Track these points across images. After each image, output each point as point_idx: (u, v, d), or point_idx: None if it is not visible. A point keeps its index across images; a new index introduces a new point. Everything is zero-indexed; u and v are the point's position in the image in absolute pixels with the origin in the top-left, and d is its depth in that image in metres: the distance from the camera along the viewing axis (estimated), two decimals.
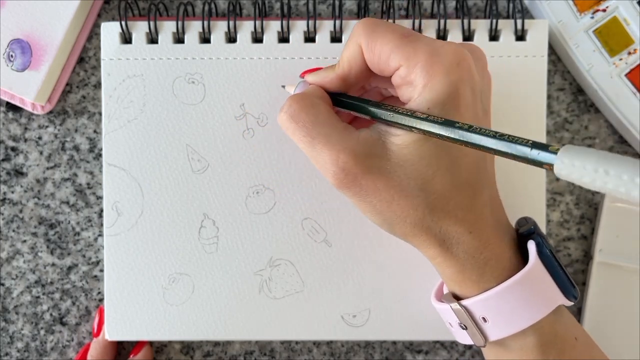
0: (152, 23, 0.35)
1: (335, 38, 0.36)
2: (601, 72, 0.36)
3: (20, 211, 0.39)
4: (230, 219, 0.36)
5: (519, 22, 0.35)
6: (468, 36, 0.36)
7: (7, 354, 0.39)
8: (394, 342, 0.39)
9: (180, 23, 0.35)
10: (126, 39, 0.36)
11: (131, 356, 0.37)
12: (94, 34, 0.39)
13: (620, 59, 0.36)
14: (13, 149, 0.39)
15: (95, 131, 0.39)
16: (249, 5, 0.39)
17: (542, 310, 0.28)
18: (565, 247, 0.38)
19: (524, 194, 0.36)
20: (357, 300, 0.36)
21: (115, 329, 0.36)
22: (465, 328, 0.29)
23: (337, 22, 0.35)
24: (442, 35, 0.36)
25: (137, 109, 0.36)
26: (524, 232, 0.29)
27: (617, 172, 0.19)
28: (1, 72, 0.37)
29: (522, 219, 0.31)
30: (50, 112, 0.39)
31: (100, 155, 0.39)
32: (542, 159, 0.22)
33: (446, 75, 0.26)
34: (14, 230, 0.39)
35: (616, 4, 0.36)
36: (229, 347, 0.39)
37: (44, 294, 0.39)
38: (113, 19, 0.39)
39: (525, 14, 0.39)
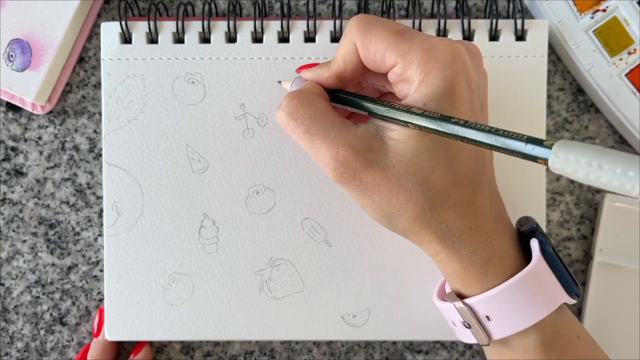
0: (152, 23, 0.35)
1: (335, 38, 0.36)
2: (601, 72, 0.36)
3: (20, 211, 0.39)
4: (230, 219, 0.36)
5: (519, 22, 0.35)
6: (468, 36, 0.36)
7: (7, 354, 0.39)
8: (394, 342, 0.39)
9: (180, 23, 0.35)
10: (126, 39, 0.36)
11: (131, 356, 0.37)
12: (94, 34, 0.39)
13: (620, 59, 0.36)
14: (13, 149, 0.39)
15: (95, 131, 0.39)
16: (249, 5, 0.39)
17: (546, 308, 0.28)
18: (565, 247, 0.38)
19: (524, 194, 0.36)
20: (357, 300, 0.36)
21: (115, 329, 0.36)
22: (468, 327, 0.29)
23: (337, 22, 0.35)
24: (442, 35, 0.36)
25: (137, 109, 0.36)
26: (526, 230, 0.29)
27: (610, 166, 0.20)
28: (1, 72, 0.37)
29: (523, 218, 0.31)
30: (50, 112, 0.39)
31: (100, 155, 0.39)
32: (536, 154, 0.22)
33: (442, 71, 0.26)
34: (14, 230, 0.39)
35: (616, 4, 0.36)
36: (229, 347, 0.39)
37: (44, 294, 0.39)
38: (113, 19, 0.39)
39: (525, 14, 0.39)
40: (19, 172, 0.39)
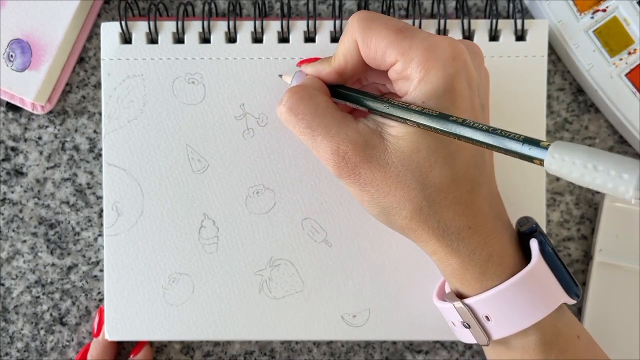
0: (152, 23, 0.35)
1: (335, 38, 0.36)
2: (601, 72, 0.36)
3: (20, 211, 0.39)
4: (230, 219, 0.36)
5: (519, 22, 0.35)
6: (468, 36, 0.36)
7: (7, 354, 0.39)
8: (394, 342, 0.39)
9: (180, 23, 0.36)
10: (126, 39, 0.36)
11: (131, 356, 0.37)
12: (94, 34, 0.39)
13: (620, 59, 0.36)
14: (13, 149, 0.39)
15: (95, 131, 0.39)
16: (249, 5, 0.39)
17: (545, 308, 0.28)
18: (565, 247, 0.38)
19: (524, 194, 0.36)
20: (357, 300, 0.36)
21: (115, 329, 0.36)
22: (468, 327, 0.29)
23: (337, 22, 0.35)
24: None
25: (137, 109, 0.36)
26: (526, 230, 0.29)
27: (605, 168, 0.20)
28: (1, 72, 0.37)
29: (522, 219, 0.31)
30: (50, 112, 0.39)
31: (100, 155, 0.39)
32: (532, 154, 0.22)
33: (442, 69, 0.26)
34: (14, 230, 0.39)
35: (616, 4, 0.36)
36: (229, 347, 0.39)
37: (44, 294, 0.39)
38: (113, 19, 0.39)
39: (525, 14, 0.39)
40: (19, 172, 0.39)
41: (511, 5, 0.37)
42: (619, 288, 0.37)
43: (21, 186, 0.39)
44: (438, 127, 0.25)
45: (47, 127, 0.39)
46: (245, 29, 0.36)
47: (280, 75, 0.35)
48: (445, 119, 0.25)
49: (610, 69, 0.36)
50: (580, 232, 0.38)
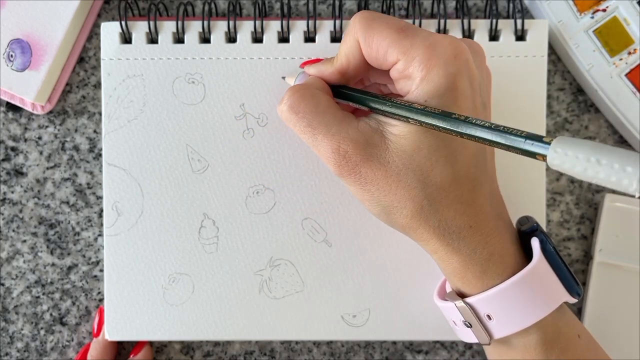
0: (152, 23, 0.35)
1: (335, 38, 0.36)
2: (601, 72, 0.36)
3: (20, 211, 0.39)
4: (230, 219, 0.36)
5: (519, 22, 0.35)
6: (468, 36, 0.36)
7: (7, 354, 0.39)
8: (394, 342, 0.39)
9: (180, 23, 0.36)
10: (126, 39, 0.36)
11: (131, 356, 0.37)
12: (94, 34, 0.39)
13: (620, 59, 0.36)
14: (13, 149, 0.39)
15: (95, 131, 0.39)
16: (249, 5, 0.39)
17: (547, 307, 0.28)
18: (565, 247, 0.38)
19: (524, 194, 0.36)
20: (357, 300, 0.36)
21: (115, 329, 0.36)
22: (469, 326, 0.29)
23: (337, 22, 0.35)
24: None
25: (137, 109, 0.36)
26: (527, 229, 0.29)
27: (608, 161, 0.20)
28: (1, 72, 0.37)
29: (523, 218, 0.31)
30: (50, 112, 0.39)
31: (100, 155, 0.39)
32: (535, 150, 0.22)
33: (444, 68, 0.26)
34: (14, 230, 0.39)
35: (616, 4, 0.36)
36: (229, 347, 0.39)
37: (44, 294, 0.39)
38: (113, 19, 0.39)
39: (525, 14, 0.39)
40: (19, 172, 0.39)
41: (511, 5, 0.37)
42: (619, 288, 0.37)
43: (21, 186, 0.39)
44: (441, 125, 0.25)
45: (47, 127, 0.39)
46: (245, 29, 0.36)
47: (284, 77, 0.35)
48: (447, 116, 0.25)
49: (610, 69, 0.36)
50: (580, 232, 0.38)
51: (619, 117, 0.37)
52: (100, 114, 0.39)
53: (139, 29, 0.36)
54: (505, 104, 0.35)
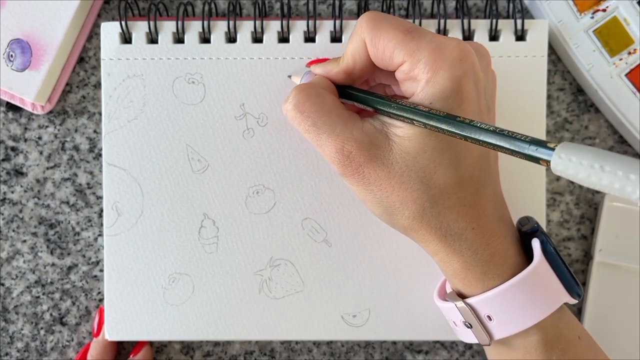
0: (152, 23, 0.35)
1: (335, 38, 0.36)
2: (601, 72, 0.36)
3: (20, 211, 0.39)
4: (230, 219, 0.36)
5: (519, 22, 0.35)
6: (468, 36, 0.36)
7: (7, 354, 0.39)
8: (394, 342, 0.39)
9: (180, 23, 0.35)
10: (126, 39, 0.36)
11: (131, 356, 0.37)
12: (94, 34, 0.39)
13: (620, 59, 0.36)
14: (13, 149, 0.39)
15: (95, 131, 0.39)
16: (249, 5, 0.39)
17: (547, 308, 0.28)
18: (565, 247, 0.38)
19: (524, 194, 0.36)
20: (357, 300, 0.36)
21: (115, 329, 0.36)
22: (470, 327, 0.29)
23: (337, 22, 0.35)
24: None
25: (137, 109, 0.36)
26: (528, 230, 0.29)
27: (612, 168, 0.20)
28: (1, 72, 0.37)
29: (523, 218, 0.31)
30: (50, 112, 0.39)
31: (100, 155, 0.39)
32: (539, 155, 0.22)
33: (449, 70, 0.26)
34: (14, 230, 0.39)
35: (616, 4, 0.36)
36: (229, 347, 0.39)
37: (44, 294, 0.39)
38: (113, 19, 0.39)
39: (525, 14, 0.39)
40: (19, 172, 0.39)
41: (511, 5, 0.37)
42: (619, 288, 0.37)
43: (21, 186, 0.39)
44: (445, 128, 0.25)
45: (47, 127, 0.39)
46: (245, 29, 0.36)
47: (289, 76, 0.35)
48: (452, 119, 0.25)
49: (610, 69, 0.36)
50: (580, 232, 0.38)
51: (619, 117, 0.37)
52: (100, 114, 0.39)
53: (139, 29, 0.36)
54: (505, 104, 0.35)
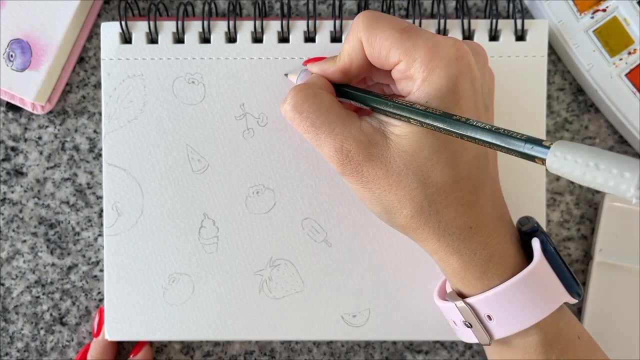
0: (152, 23, 0.35)
1: (335, 38, 0.36)
2: (601, 72, 0.36)
3: (20, 211, 0.39)
4: (230, 219, 0.36)
5: (519, 22, 0.35)
6: (468, 36, 0.36)
7: (7, 354, 0.39)
8: (394, 342, 0.39)
9: (180, 23, 0.35)
10: (126, 39, 0.36)
11: (131, 356, 0.37)
12: (94, 34, 0.39)
13: (620, 59, 0.36)
14: (13, 149, 0.39)
15: (95, 131, 0.39)
16: (249, 5, 0.39)
17: (547, 308, 0.28)
18: (565, 247, 0.38)
19: (524, 194, 0.36)
20: (357, 300, 0.36)
21: (115, 329, 0.36)
22: (470, 326, 0.29)
23: (337, 22, 0.35)
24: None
25: (137, 109, 0.36)
26: (528, 230, 0.29)
27: (607, 166, 0.20)
28: (1, 72, 0.37)
29: (523, 218, 0.31)
30: (50, 112, 0.39)
31: (100, 155, 0.39)
32: (535, 153, 0.22)
33: (445, 69, 0.26)
34: (14, 230, 0.39)
35: (616, 4, 0.36)
36: (229, 347, 0.39)
37: (44, 294, 0.39)
38: (113, 19, 0.39)
39: (525, 14, 0.39)
40: (19, 172, 0.39)
41: (511, 5, 0.37)
42: (619, 288, 0.37)
43: (21, 186, 0.39)
44: (442, 126, 0.25)
45: (47, 127, 0.39)
46: (245, 29, 0.36)
47: (286, 75, 0.35)
48: (449, 117, 0.25)
49: (610, 69, 0.36)
50: (580, 232, 0.38)
51: (619, 117, 0.37)
52: (100, 114, 0.39)
53: (139, 29, 0.36)
54: (505, 104, 0.35)
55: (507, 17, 0.38)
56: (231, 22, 0.35)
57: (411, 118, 0.26)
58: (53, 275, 0.39)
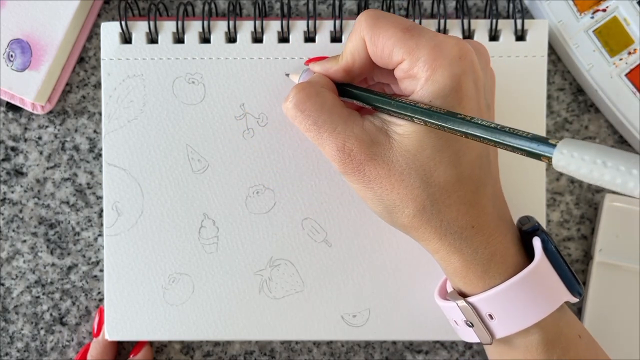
0: (152, 23, 0.35)
1: (335, 38, 0.36)
2: (601, 72, 0.36)
3: (20, 211, 0.39)
4: (230, 219, 0.36)
5: (519, 22, 0.35)
6: (468, 36, 0.36)
7: (7, 354, 0.39)
8: (394, 342, 0.39)
9: (180, 23, 0.35)
10: (126, 39, 0.36)
11: (131, 356, 0.37)
12: (94, 34, 0.39)
13: (620, 59, 0.36)
14: (13, 149, 0.39)
15: (95, 131, 0.39)
16: (249, 5, 0.39)
17: (549, 307, 0.28)
18: (565, 247, 0.38)
19: (524, 194, 0.36)
20: (357, 300, 0.36)
21: (115, 329, 0.36)
22: (471, 326, 0.29)
23: (337, 22, 0.35)
24: None
25: (137, 109, 0.36)
26: (528, 229, 0.29)
27: (614, 164, 0.20)
28: (1, 72, 0.37)
29: (523, 218, 0.31)
30: (50, 112, 0.39)
31: (100, 155, 0.39)
32: (541, 151, 0.22)
33: (449, 68, 0.26)
34: (14, 230, 0.39)
35: (616, 4, 0.36)
36: (229, 347, 0.39)
37: (44, 294, 0.39)
38: (113, 19, 0.39)
39: (525, 14, 0.39)
40: (19, 172, 0.39)
41: (511, 5, 0.37)
42: (619, 288, 0.37)
43: (21, 186, 0.39)
44: (447, 125, 0.25)
45: (47, 127, 0.39)
46: (245, 29, 0.36)
47: (287, 74, 0.35)
48: (453, 116, 0.25)
49: (610, 69, 0.36)
50: (580, 232, 0.38)
51: (619, 117, 0.37)
52: (100, 114, 0.39)
53: (139, 29, 0.36)
54: (505, 104, 0.35)
55: (507, 17, 0.38)
56: (231, 22, 0.35)
57: (415, 117, 0.26)
58: (53, 275, 0.39)
